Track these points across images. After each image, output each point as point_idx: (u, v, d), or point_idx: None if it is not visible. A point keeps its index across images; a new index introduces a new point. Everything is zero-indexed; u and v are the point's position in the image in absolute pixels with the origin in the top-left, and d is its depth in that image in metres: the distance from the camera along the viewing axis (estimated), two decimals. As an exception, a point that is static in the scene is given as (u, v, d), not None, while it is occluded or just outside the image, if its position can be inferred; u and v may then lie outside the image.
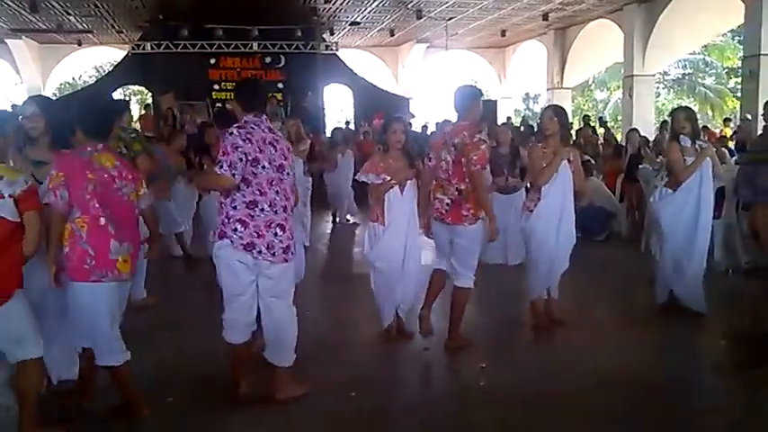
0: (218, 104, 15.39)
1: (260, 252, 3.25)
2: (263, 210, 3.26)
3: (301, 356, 3.58)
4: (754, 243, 6.16)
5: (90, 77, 26.82)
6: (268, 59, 16.22)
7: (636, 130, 9.34)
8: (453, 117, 4.51)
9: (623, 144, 9.96)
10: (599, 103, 27.60)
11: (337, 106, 29.40)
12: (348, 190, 9.71)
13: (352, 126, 16.46)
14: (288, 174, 3.38)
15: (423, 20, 16.29)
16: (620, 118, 18.45)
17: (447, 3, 14.68)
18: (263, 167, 3.24)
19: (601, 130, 14.14)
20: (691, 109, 5.14)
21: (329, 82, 17.51)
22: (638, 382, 3.81)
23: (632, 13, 15.44)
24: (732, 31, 18.63)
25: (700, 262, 4.86)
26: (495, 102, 18.95)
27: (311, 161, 8.46)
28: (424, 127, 15.28)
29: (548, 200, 4.52)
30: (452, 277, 4.34)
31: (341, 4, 14.68)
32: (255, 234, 3.24)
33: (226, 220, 3.27)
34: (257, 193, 3.25)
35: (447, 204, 4.19)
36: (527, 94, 27.04)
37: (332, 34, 17.57)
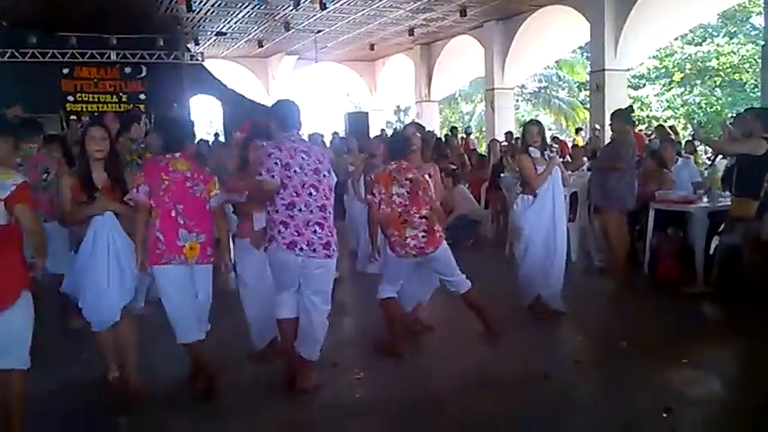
0: (73, 117, 14.33)
1: (301, 249, 3.60)
2: (300, 210, 3.61)
3: (174, 377, 3.48)
4: (605, 243, 6.66)
5: None
6: (128, 69, 15.39)
7: (497, 140, 9.82)
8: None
9: (486, 154, 10.41)
10: (465, 115, 28.79)
11: (206, 118, 28.52)
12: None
13: (222, 138, 15.97)
14: (324, 176, 3.71)
15: (291, 32, 16.22)
16: (484, 129, 19.35)
17: (315, 16, 14.70)
18: (295, 172, 3.60)
19: (461, 138, 14.77)
20: (540, 123, 5.44)
21: (196, 93, 16.90)
22: (507, 382, 3.96)
23: (491, 30, 16.32)
24: (580, 47, 20.18)
25: (561, 264, 5.16)
26: (367, 114, 19.21)
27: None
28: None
29: None
30: (450, 289, 4.58)
31: (205, 13, 14.25)
32: (296, 233, 3.59)
33: (271, 224, 3.66)
34: (294, 195, 3.60)
35: (422, 236, 4.31)
36: (398, 107, 27.65)
37: (197, 44, 17.00)
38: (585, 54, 20.10)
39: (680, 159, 7.31)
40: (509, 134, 12.40)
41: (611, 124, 6.37)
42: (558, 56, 20.60)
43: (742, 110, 7.28)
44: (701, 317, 5.32)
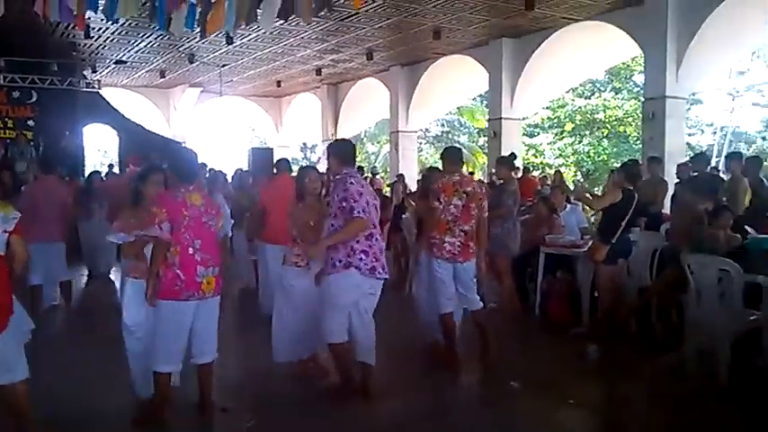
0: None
1: (379, 273, 4.12)
2: (376, 240, 4.13)
3: None
4: (498, 285, 6.86)
5: None
6: (16, 94, 14.53)
7: (398, 181, 9.98)
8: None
9: (389, 195, 10.54)
10: (371, 156, 29.21)
11: (101, 148, 27.27)
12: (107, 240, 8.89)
13: (116, 170, 15.31)
14: (377, 209, 4.21)
15: (196, 64, 15.94)
16: (389, 170, 19.68)
17: (221, 50, 14.55)
18: (371, 206, 4.08)
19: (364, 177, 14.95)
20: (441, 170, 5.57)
21: (90, 122, 16.20)
22: (396, 423, 3.97)
23: (397, 75, 16.77)
24: (480, 95, 21.10)
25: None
26: (272, 150, 19.09)
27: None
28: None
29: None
30: (468, 307, 5.11)
31: (104, 41, 13.75)
32: (374, 259, 4.08)
33: (351, 252, 4.02)
34: (371, 226, 4.06)
35: (458, 245, 4.89)
36: (304, 144, 27.64)
37: (94, 71, 16.32)
38: (484, 102, 21.02)
39: (568, 206, 7.71)
40: (400, 177, 12.72)
41: (495, 172, 6.65)
42: (459, 102, 21.42)
43: (626, 159, 7.84)
44: (585, 358, 5.55)
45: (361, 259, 4.05)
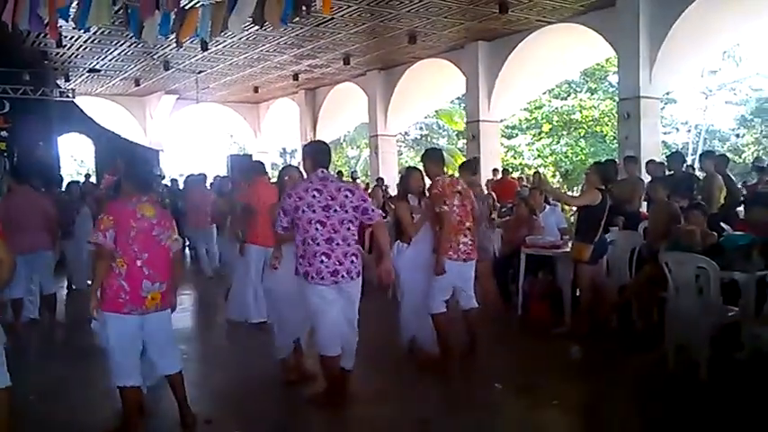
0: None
1: (312, 278, 3.97)
2: (310, 243, 3.96)
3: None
4: (479, 288, 6.88)
5: None
6: (-12, 104, 14.29)
7: (378, 185, 9.97)
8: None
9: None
10: (351, 160, 29.19)
11: (77, 157, 26.92)
12: (87, 252, 8.77)
13: (93, 179, 15.11)
14: (335, 211, 3.98)
15: (171, 71, 15.81)
16: (369, 173, 19.68)
17: (196, 56, 14.44)
18: (303, 211, 3.96)
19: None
20: (420, 170, 5.53)
21: (65, 131, 15.98)
22: (380, 426, 3.96)
23: (374, 79, 16.79)
24: (458, 98, 21.21)
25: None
26: (251, 156, 18.96)
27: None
28: (174, 180, 14.60)
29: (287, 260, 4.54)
30: (464, 304, 5.21)
31: (77, 49, 13.57)
32: (308, 264, 3.96)
33: (299, 260, 4.05)
34: (303, 231, 3.98)
35: (470, 244, 5.04)
36: (284, 149, 27.51)
37: (67, 80, 16.11)
38: (462, 105, 21.12)
39: (547, 207, 7.76)
40: (380, 181, 12.77)
41: (458, 177, 6.67)
42: (437, 106, 21.49)
43: (603, 159, 7.91)
44: (568, 358, 5.58)
45: (300, 263, 4.05)
